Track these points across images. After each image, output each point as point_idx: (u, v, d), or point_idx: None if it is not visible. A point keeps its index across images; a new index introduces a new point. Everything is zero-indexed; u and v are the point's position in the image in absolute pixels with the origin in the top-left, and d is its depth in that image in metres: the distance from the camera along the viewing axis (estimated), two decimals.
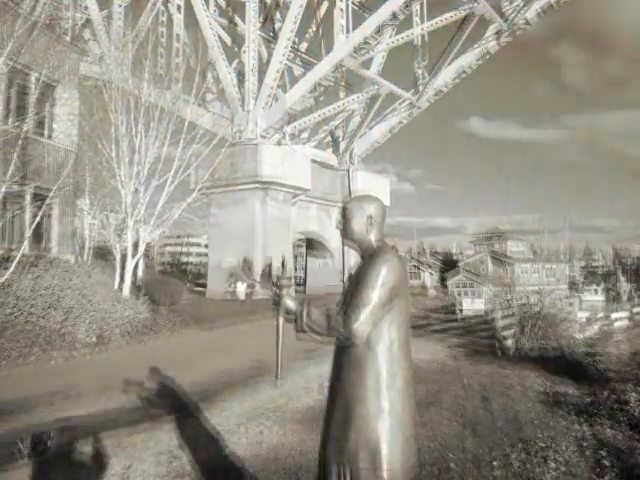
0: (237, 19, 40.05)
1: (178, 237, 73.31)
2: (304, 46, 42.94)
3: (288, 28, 34.31)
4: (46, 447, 5.53)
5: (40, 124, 17.54)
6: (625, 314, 27.60)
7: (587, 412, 6.06)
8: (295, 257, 45.99)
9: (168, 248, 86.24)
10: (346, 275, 36.20)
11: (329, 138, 44.48)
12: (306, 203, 38.25)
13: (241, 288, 30.67)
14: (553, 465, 4.64)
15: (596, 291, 59.66)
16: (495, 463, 4.74)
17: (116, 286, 18.58)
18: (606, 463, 4.61)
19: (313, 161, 40.94)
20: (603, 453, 4.82)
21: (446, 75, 39.89)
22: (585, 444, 5.08)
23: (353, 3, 37.05)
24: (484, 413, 6.50)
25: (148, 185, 19.72)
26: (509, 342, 12.71)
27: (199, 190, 23.15)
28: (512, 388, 7.83)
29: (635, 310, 28.50)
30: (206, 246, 46.41)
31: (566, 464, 4.64)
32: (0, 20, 13.97)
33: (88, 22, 36.56)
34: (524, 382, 8.14)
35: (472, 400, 7.21)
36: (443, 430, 5.83)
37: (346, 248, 32.09)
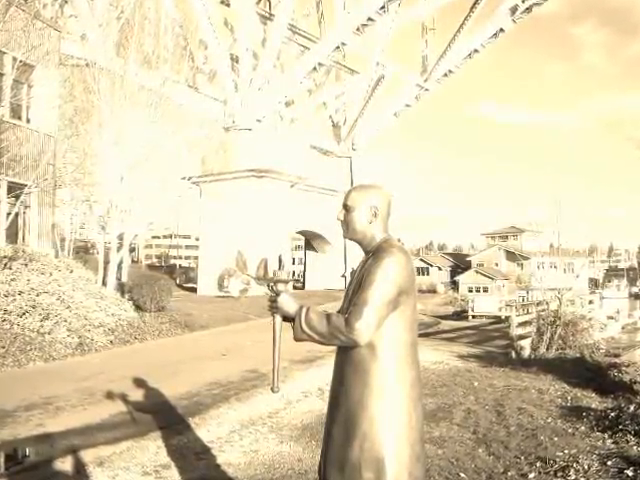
0: None
1: (166, 229, 73.35)
2: (303, 24, 42.63)
3: (286, 5, 34.06)
4: (21, 464, 5.46)
5: (17, 108, 17.41)
6: None
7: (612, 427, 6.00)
8: (292, 251, 45.89)
9: (156, 242, 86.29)
10: (348, 271, 36.20)
11: (329, 123, 44.29)
12: (304, 193, 37.95)
13: (234, 285, 30.61)
14: None
15: (618, 287, 59.79)
16: None
17: (100, 282, 18.50)
18: None
19: (312, 148, 40.84)
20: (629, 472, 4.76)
21: (456, 54, 39.62)
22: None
23: None
24: (497, 427, 6.45)
25: (134, 173, 19.58)
26: (526, 352, 12.65)
27: (189, 179, 23.04)
28: (529, 401, 7.76)
29: None
30: (197, 239, 46.35)
31: None
32: None
33: None
34: (543, 395, 8.07)
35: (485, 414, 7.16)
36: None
37: (348, 242, 31.86)
